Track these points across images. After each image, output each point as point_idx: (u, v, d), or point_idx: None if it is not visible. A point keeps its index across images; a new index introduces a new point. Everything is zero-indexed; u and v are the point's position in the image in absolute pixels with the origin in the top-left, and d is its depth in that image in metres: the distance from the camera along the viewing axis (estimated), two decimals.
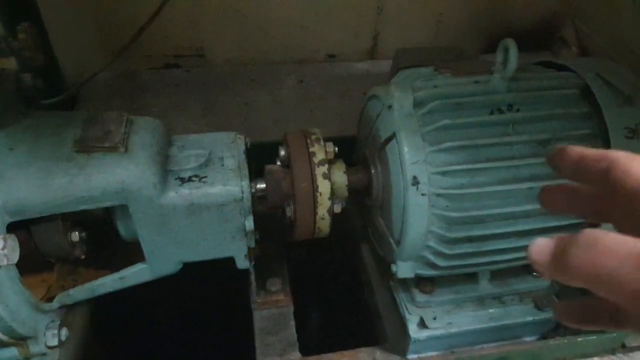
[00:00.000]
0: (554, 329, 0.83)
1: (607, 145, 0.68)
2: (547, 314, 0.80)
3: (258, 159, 0.73)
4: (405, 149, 0.64)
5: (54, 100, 0.86)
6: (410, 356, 0.79)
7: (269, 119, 1.16)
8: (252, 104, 1.21)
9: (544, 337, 0.83)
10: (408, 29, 1.33)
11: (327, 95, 1.25)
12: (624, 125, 0.68)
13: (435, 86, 0.68)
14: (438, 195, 0.65)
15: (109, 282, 0.70)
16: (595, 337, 0.79)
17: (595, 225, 0.37)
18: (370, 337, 0.88)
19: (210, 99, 1.21)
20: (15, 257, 0.53)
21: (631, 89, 0.70)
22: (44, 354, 0.68)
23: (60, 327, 0.68)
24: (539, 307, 0.80)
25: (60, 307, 0.72)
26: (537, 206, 0.67)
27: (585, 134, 0.68)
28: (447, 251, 0.68)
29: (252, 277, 0.79)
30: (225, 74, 1.28)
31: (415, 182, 0.64)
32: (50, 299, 0.70)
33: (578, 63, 0.74)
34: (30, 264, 0.65)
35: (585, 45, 1.21)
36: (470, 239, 0.68)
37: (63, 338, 0.69)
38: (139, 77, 1.25)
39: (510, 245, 0.69)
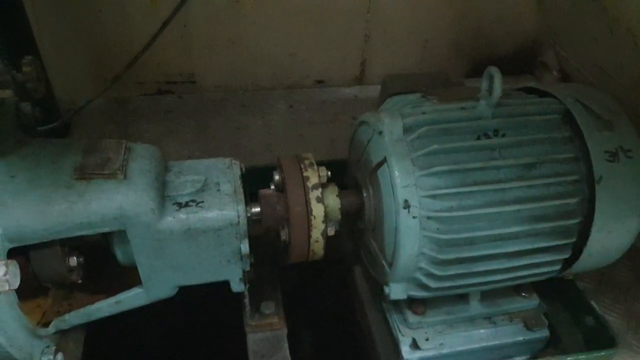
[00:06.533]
0: (543, 349, 0.85)
1: (589, 167, 0.70)
2: (536, 334, 0.81)
3: (249, 183, 0.75)
4: (396, 173, 0.66)
5: (49, 127, 0.87)
6: None
7: (260, 143, 1.19)
8: (243, 129, 1.23)
9: (534, 356, 0.85)
10: (395, 55, 1.37)
11: (316, 119, 1.28)
12: (605, 149, 0.70)
13: (424, 112, 0.71)
14: (429, 217, 0.67)
15: (105, 307, 0.70)
16: (583, 356, 0.81)
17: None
18: (362, 358, 0.88)
19: (202, 124, 1.23)
20: (16, 282, 0.53)
21: (610, 114, 0.73)
22: None
23: (55, 352, 0.68)
24: (528, 327, 0.81)
25: (55, 333, 0.72)
26: (524, 228, 0.69)
27: (568, 158, 0.71)
28: (438, 272, 0.70)
29: (246, 301, 0.80)
30: (216, 99, 1.31)
31: (407, 205, 0.66)
32: (45, 324, 0.71)
33: (558, 89, 0.78)
34: (25, 290, 0.65)
35: (566, 69, 1.25)
36: (460, 261, 0.70)
37: None
38: (131, 103, 1.27)
39: (500, 266, 0.71)
